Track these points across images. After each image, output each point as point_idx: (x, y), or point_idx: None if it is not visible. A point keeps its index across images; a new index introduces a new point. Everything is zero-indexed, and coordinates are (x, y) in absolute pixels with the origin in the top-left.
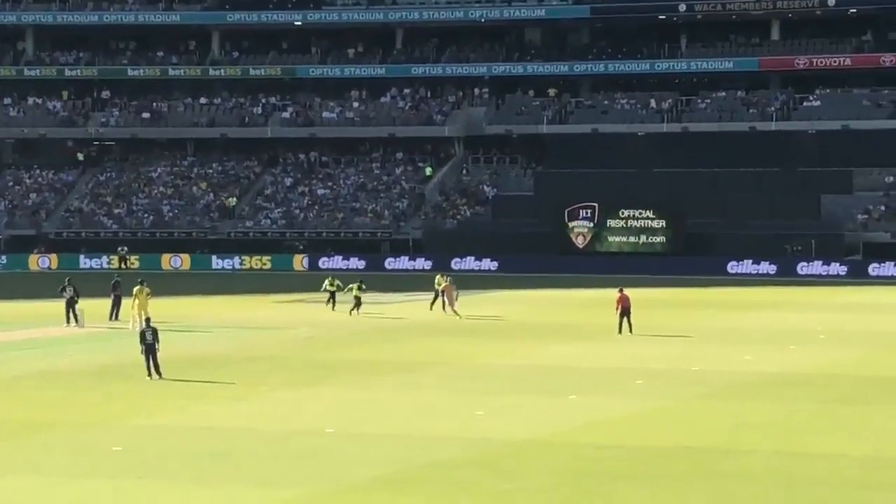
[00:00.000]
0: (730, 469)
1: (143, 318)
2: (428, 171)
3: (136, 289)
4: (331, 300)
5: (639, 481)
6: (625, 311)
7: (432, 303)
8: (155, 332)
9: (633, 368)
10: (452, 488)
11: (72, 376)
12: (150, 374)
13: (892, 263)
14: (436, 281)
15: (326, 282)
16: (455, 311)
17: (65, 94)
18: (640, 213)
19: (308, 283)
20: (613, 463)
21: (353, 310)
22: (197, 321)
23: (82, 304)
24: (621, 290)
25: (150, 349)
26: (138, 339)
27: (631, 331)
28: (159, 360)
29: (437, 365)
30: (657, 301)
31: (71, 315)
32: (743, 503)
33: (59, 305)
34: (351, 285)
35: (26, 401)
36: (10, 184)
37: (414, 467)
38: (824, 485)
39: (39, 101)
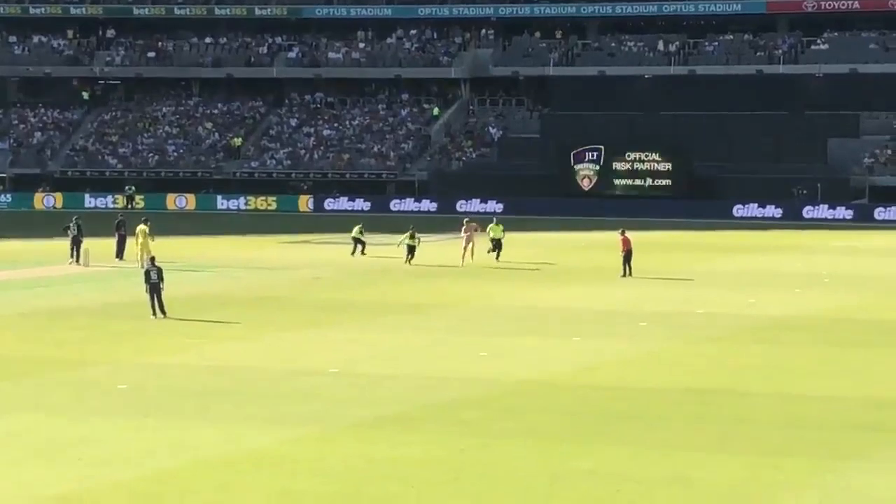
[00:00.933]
0: (732, 411)
1: (148, 257)
2: (435, 111)
3: (139, 228)
4: (357, 247)
5: (640, 422)
6: (627, 254)
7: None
8: (160, 271)
9: (637, 311)
10: (455, 428)
11: (77, 315)
12: (154, 314)
13: None
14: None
15: (356, 229)
16: (470, 256)
17: (70, 32)
18: (646, 156)
19: (314, 224)
20: (615, 403)
21: (490, 251)
22: (202, 261)
23: (87, 244)
24: (623, 233)
25: (154, 288)
26: (143, 279)
27: (630, 273)
28: (164, 300)
29: (442, 307)
30: (662, 244)
31: (75, 253)
32: (746, 444)
33: (64, 244)
34: (405, 236)
35: (31, 339)
36: (15, 122)
37: (417, 407)
38: (826, 427)
39: (44, 39)
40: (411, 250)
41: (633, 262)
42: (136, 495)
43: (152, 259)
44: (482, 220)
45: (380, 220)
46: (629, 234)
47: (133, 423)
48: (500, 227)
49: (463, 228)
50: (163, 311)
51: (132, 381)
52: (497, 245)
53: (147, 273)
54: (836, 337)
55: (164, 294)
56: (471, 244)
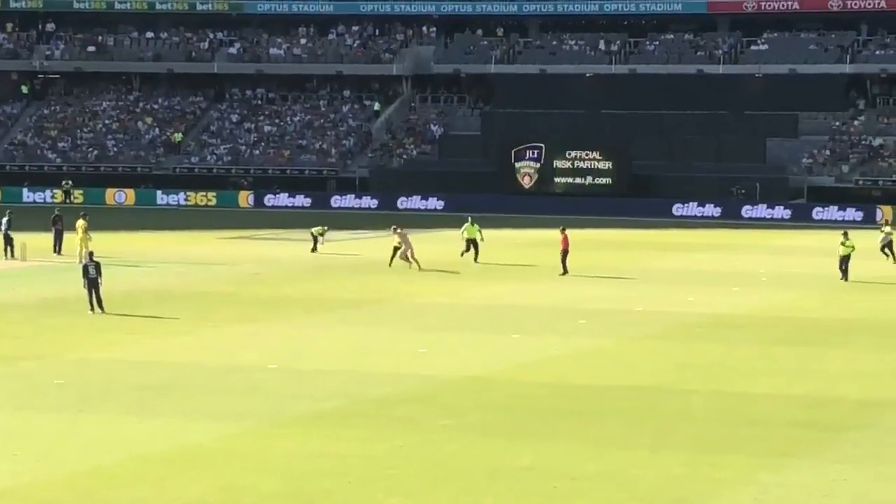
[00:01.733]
0: (671, 408)
1: (86, 252)
2: (377, 107)
3: (78, 223)
4: (315, 244)
5: (578, 419)
6: (565, 251)
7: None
8: (98, 266)
9: (577, 308)
10: (394, 423)
11: (12, 310)
12: (92, 309)
13: (836, 207)
14: (463, 229)
15: (318, 229)
16: (412, 259)
17: (9, 25)
18: (587, 154)
19: (254, 219)
20: (553, 400)
21: (464, 252)
22: (141, 257)
23: (25, 238)
24: (563, 231)
25: (92, 283)
26: (80, 274)
27: (566, 271)
28: (102, 295)
29: (382, 303)
30: (602, 242)
31: (7, 248)
32: (684, 442)
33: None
34: (466, 227)
35: None
36: None
37: (356, 402)
38: (764, 424)
39: None
40: (475, 244)
41: (569, 260)
42: (72, 491)
43: (90, 254)
44: (424, 217)
45: (320, 216)
46: (568, 232)
47: (69, 418)
48: (476, 226)
49: (396, 236)
50: (101, 307)
51: (69, 377)
52: (473, 245)
53: (85, 268)
54: (774, 335)
55: (102, 289)
56: (409, 250)
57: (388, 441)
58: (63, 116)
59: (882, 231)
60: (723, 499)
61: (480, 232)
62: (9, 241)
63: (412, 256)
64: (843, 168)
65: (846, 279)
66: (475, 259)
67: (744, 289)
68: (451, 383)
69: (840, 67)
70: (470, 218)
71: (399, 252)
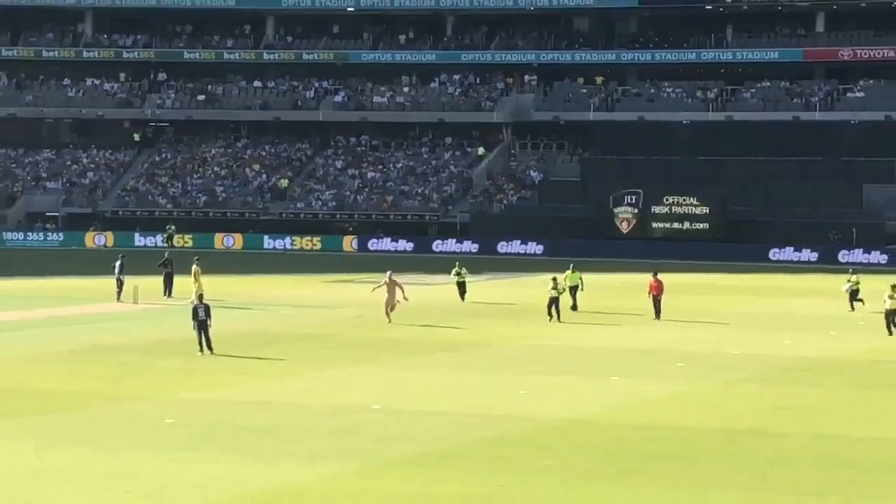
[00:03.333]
0: (768, 452)
1: (197, 294)
2: (480, 151)
3: (194, 267)
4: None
5: (676, 462)
6: (657, 296)
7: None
8: (207, 308)
9: (674, 350)
10: (494, 465)
11: (125, 351)
12: (201, 350)
13: None
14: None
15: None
16: (389, 307)
17: (122, 75)
18: (684, 200)
19: (357, 263)
20: (652, 443)
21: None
22: (249, 299)
23: (137, 281)
24: (655, 275)
25: (202, 325)
26: (191, 316)
27: (659, 316)
28: (211, 336)
29: (482, 346)
30: (699, 286)
31: (120, 292)
32: (781, 485)
33: (113, 282)
34: (567, 274)
35: (80, 375)
36: (68, 163)
37: (457, 444)
38: (862, 468)
39: (97, 82)
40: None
41: (663, 305)
42: None
43: (200, 296)
44: (524, 261)
45: (422, 260)
46: (662, 277)
47: (179, 457)
48: (578, 274)
49: (383, 282)
50: (210, 348)
51: (178, 416)
52: (572, 292)
53: (195, 310)
54: (872, 380)
55: (210, 331)
56: (392, 301)
57: (488, 482)
58: (173, 163)
59: (848, 280)
60: None
61: (581, 280)
62: (120, 285)
63: (390, 306)
64: None
65: (892, 334)
66: (573, 306)
67: (841, 333)
68: (551, 425)
69: None
70: (572, 265)
71: (387, 299)
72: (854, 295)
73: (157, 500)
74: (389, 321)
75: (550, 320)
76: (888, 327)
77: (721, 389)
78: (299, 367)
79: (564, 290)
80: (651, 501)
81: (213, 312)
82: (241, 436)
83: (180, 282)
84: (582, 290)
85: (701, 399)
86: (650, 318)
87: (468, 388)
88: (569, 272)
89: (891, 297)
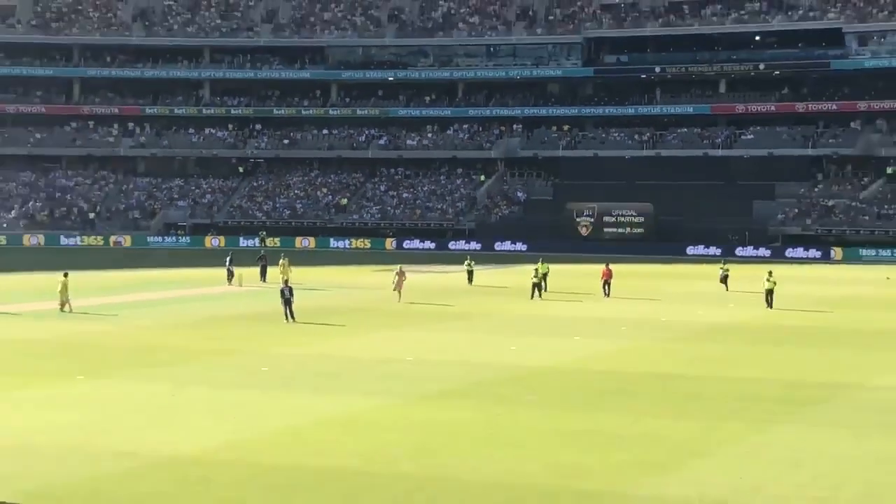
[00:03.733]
0: (687, 389)
1: (284, 280)
2: (482, 178)
3: (281, 261)
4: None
5: (622, 396)
6: (607, 280)
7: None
8: (291, 290)
9: (620, 319)
10: (493, 398)
11: (233, 320)
12: (287, 320)
13: (802, 248)
14: (535, 268)
15: (467, 262)
16: (399, 291)
17: (230, 126)
18: (626, 212)
19: (396, 258)
20: (606, 383)
21: (533, 292)
22: (320, 283)
23: (240, 271)
24: (607, 265)
25: (287, 302)
26: (279, 295)
27: (608, 294)
28: (294, 310)
29: (484, 315)
30: (637, 273)
31: (231, 279)
32: (696, 412)
33: (224, 271)
34: (538, 266)
35: (202, 336)
36: (193, 188)
37: (467, 384)
38: (756, 399)
39: (213, 130)
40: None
41: (612, 287)
42: (275, 444)
43: (286, 281)
44: (513, 256)
45: (441, 255)
46: (612, 267)
47: (271, 394)
48: (546, 265)
49: (396, 272)
50: (293, 318)
51: (271, 365)
52: (543, 278)
53: (282, 291)
54: (762, 337)
55: (294, 306)
56: (400, 286)
57: (488, 411)
58: (266, 188)
59: (721, 268)
60: (727, 453)
61: (548, 268)
62: (230, 274)
63: (400, 289)
64: (806, 221)
65: (770, 307)
66: (540, 292)
67: (738, 306)
68: (534, 370)
69: (804, 151)
70: (541, 258)
71: (396, 283)
72: (725, 279)
73: (257, 423)
74: (399, 300)
75: (532, 298)
76: (766, 301)
77: (653, 346)
78: (355, 330)
79: (541, 277)
80: (605, 422)
81: (295, 293)
82: (316, 379)
83: (271, 271)
84: (547, 272)
85: (639, 352)
86: (601, 297)
87: (474, 345)
88: (539, 264)
89: (768, 280)
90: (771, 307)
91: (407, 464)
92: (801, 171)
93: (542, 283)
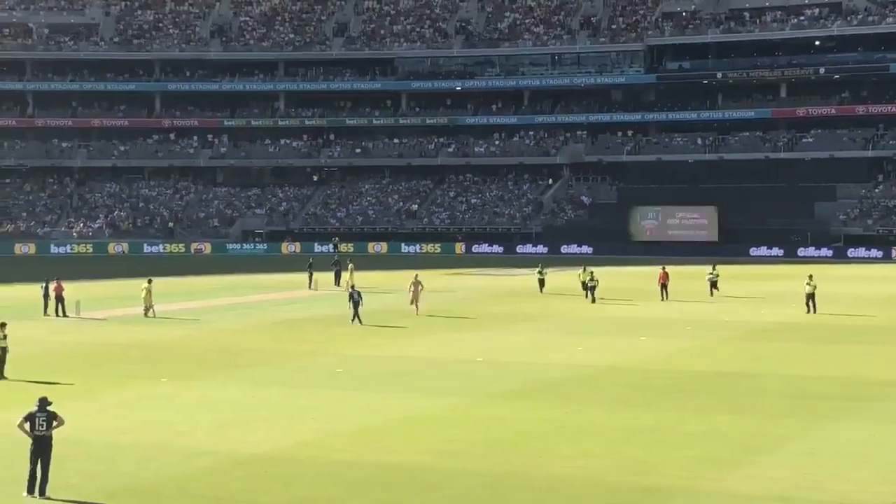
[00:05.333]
0: (748, 387)
1: (350, 284)
2: (549, 182)
3: (349, 265)
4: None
5: (686, 393)
6: (664, 283)
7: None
8: (359, 293)
9: (684, 319)
10: (560, 398)
11: (309, 322)
12: (352, 321)
13: (864, 248)
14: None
15: (538, 269)
16: (417, 304)
17: (305, 136)
18: (690, 215)
19: (465, 262)
20: (671, 381)
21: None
22: (391, 287)
23: (317, 276)
24: (664, 268)
25: (355, 305)
26: (348, 299)
27: (666, 298)
28: (360, 312)
29: (551, 316)
30: (700, 275)
31: (311, 282)
32: (757, 409)
33: (303, 277)
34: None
35: (280, 338)
36: (269, 196)
37: (534, 384)
38: (816, 397)
39: (288, 141)
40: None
41: (670, 289)
42: (352, 442)
43: (352, 286)
44: (578, 259)
45: (509, 259)
46: (669, 269)
47: (347, 395)
48: (590, 271)
49: (411, 283)
50: (359, 321)
51: (345, 366)
52: (585, 287)
53: (350, 294)
54: (819, 336)
55: (361, 309)
56: (417, 297)
57: (556, 409)
58: (340, 195)
59: (710, 273)
60: (787, 448)
61: (592, 275)
62: (311, 277)
63: (417, 302)
64: (867, 221)
65: (814, 312)
66: (591, 299)
67: (800, 305)
68: (599, 370)
69: (865, 153)
70: (584, 266)
71: (411, 295)
72: (714, 284)
73: (334, 422)
74: (418, 313)
75: (589, 300)
76: (807, 305)
77: (716, 345)
78: (426, 332)
79: (595, 279)
80: (671, 420)
81: (365, 296)
82: (389, 379)
83: (345, 276)
84: (595, 282)
85: (702, 351)
86: (659, 300)
87: (543, 346)
88: (581, 271)
89: (808, 284)
90: (815, 311)
91: (477, 461)
92: (861, 173)
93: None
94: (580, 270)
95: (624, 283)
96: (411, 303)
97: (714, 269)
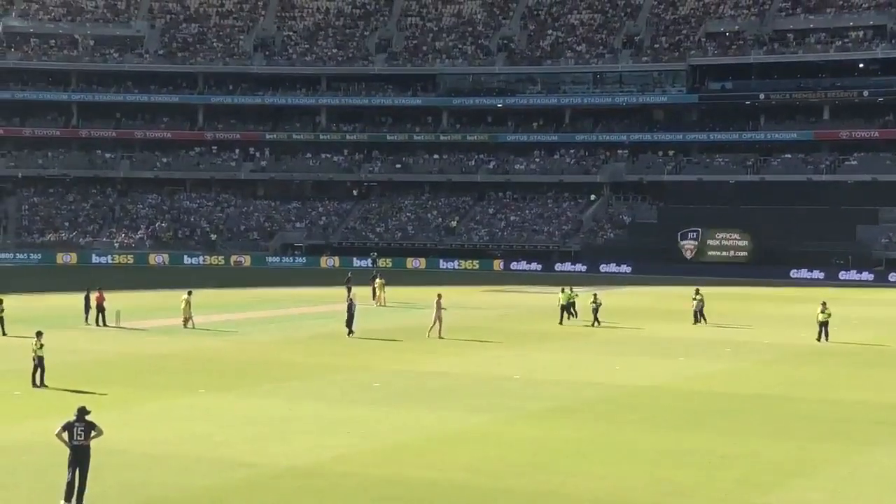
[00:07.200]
0: (789, 410)
1: (348, 297)
2: (592, 197)
3: (377, 281)
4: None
5: (726, 415)
6: (699, 308)
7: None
8: (353, 304)
9: (723, 340)
10: (597, 417)
11: (346, 337)
12: (349, 333)
13: None
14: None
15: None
16: (439, 326)
17: (345, 151)
18: (730, 235)
19: (503, 279)
20: (709, 402)
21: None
22: (426, 303)
23: (356, 289)
24: (697, 291)
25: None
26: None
27: (703, 321)
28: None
29: (588, 335)
30: (740, 296)
31: (374, 296)
32: (798, 433)
33: (341, 290)
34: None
35: (317, 353)
36: (309, 210)
37: (573, 402)
38: (856, 421)
39: (329, 155)
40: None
41: (706, 311)
42: (386, 458)
43: (351, 297)
44: (618, 278)
45: (548, 276)
46: (704, 291)
47: (382, 410)
48: (569, 293)
49: (435, 303)
50: (350, 331)
51: (382, 381)
52: (566, 309)
53: (349, 306)
54: (862, 360)
55: (352, 321)
56: (440, 317)
57: (591, 429)
58: (379, 210)
59: (694, 298)
60: (827, 474)
61: (576, 297)
62: (349, 291)
63: (439, 325)
64: None
65: (826, 340)
66: (569, 316)
67: (841, 329)
68: (637, 390)
69: None
70: (564, 287)
71: (434, 316)
72: (700, 311)
73: (370, 437)
74: (429, 336)
75: (560, 322)
76: (819, 334)
77: (755, 367)
78: (463, 349)
79: (598, 301)
80: (708, 442)
81: (406, 312)
82: (425, 395)
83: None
84: (598, 304)
85: (741, 373)
86: (693, 322)
87: (580, 364)
88: (561, 293)
89: (822, 312)
90: (827, 339)
91: (513, 479)
92: None
93: (572, 309)
94: (559, 292)
95: (664, 304)
96: (433, 325)
97: (697, 294)
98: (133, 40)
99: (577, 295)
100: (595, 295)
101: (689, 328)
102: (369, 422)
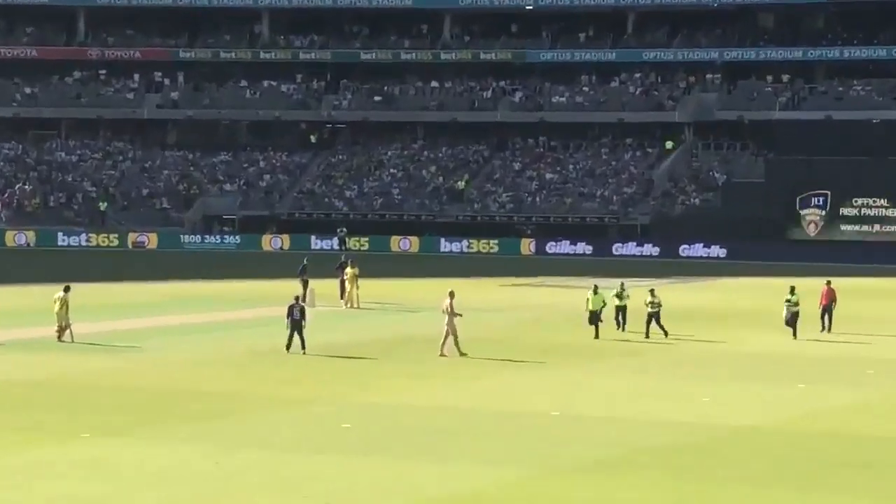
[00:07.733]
0: None
1: (296, 296)
2: (669, 144)
3: (348, 270)
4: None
5: (866, 471)
6: (827, 307)
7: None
8: (303, 310)
9: (863, 357)
10: (671, 473)
11: (298, 354)
12: (288, 350)
13: None
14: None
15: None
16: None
17: (298, 76)
18: (874, 202)
19: (536, 267)
20: (840, 452)
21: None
22: (422, 303)
23: (314, 284)
24: (828, 284)
25: (295, 325)
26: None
27: (827, 328)
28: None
29: (661, 350)
30: (891, 292)
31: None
32: None
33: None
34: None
35: (258, 377)
36: (245, 165)
37: (634, 451)
38: None
39: (274, 83)
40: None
41: (837, 314)
42: None
43: (297, 297)
44: (706, 265)
45: (602, 263)
46: (836, 285)
47: (358, 462)
48: (601, 297)
49: (448, 306)
50: (303, 348)
51: (356, 420)
52: (594, 318)
53: (290, 310)
54: None
55: (306, 332)
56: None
57: (666, 490)
58: (349, 165)
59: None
60: None
61: (605, 303)
62: (305, 286)
63: (454, 337)
64: None
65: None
66: (617, 327)
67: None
68: (732, 433)
69: None
70: (595, 286)
71: (447, 325)
72: (794, 318)
73: (338, 503)
74: (441, 354)
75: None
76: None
77: None
78: (475, 370)
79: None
80: None
81: (388, 316)
82: (421, 440)
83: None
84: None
85: (890, 407)
86: (819, 330)
87: (648, 393)
88: (591, 294)
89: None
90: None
91: None
92: None
93: (621, 316)
94: (589, 294)
95: (773, 304)
96: (445, 338)
97: (792, 294)
98: None
99: (628, 296)
100: (652, 292)
101: (813, 341)
102: (337, 480)
